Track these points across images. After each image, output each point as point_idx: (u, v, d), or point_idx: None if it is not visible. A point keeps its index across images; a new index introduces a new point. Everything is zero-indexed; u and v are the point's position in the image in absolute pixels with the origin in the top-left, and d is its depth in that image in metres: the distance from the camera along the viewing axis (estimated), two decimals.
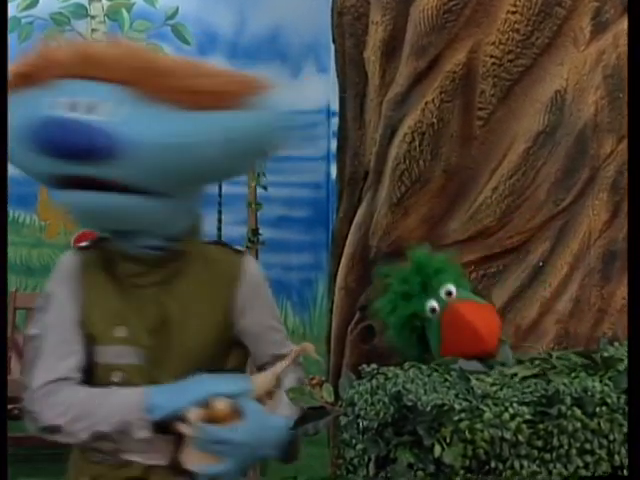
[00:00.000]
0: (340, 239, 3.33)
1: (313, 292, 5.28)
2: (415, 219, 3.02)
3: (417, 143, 2.97)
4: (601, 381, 2.22)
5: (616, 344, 2.70)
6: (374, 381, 2.33)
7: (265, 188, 4.32)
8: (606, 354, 2.41)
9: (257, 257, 4.32)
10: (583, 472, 2.09)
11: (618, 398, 2.14)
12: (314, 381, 4.26)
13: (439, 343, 2.51)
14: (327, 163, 5.09)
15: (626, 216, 2.98)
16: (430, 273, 2.56)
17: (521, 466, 2.05)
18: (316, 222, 5.20)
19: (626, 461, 2.10)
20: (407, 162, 2.99)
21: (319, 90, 5.13)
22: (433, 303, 2.52)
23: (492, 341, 2.40)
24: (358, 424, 2.18)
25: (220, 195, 4.35)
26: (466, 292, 2.61)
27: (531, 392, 2.16)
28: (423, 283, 2.54)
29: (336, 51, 3.45)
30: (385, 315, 2.63)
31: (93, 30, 5.26)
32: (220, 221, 4.39)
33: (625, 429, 2.11)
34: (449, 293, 2.54)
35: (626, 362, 2.38)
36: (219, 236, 4.43)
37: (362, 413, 2.18)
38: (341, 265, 3.21)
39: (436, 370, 2.37)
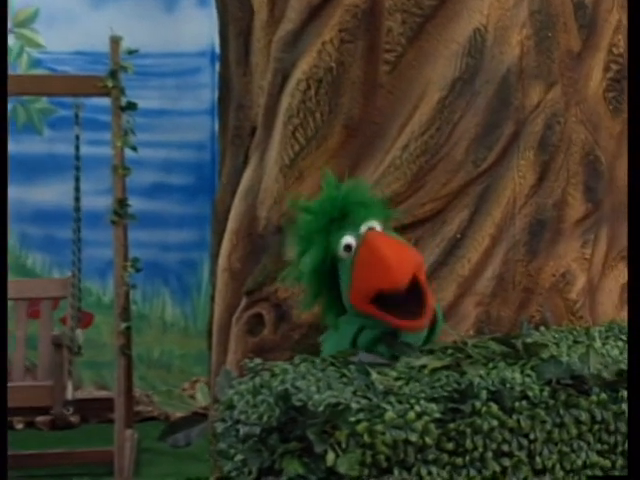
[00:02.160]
0: (222, 211, 3.32)
1: (197, 277, 5.22)
2: (311, 184, 3.04)
3: (313, 92, 2.99)
4: (522, 371, 2.32)
5: (542, 329, 2.82)
6: (257, 379, 2.36)
7: (135, 149, 4.23)
8: (529, 340, 2.51)
9: (126, 234, 4.25)
10: (500, 478, 2.17)
11: (541, 391, 2.23)
12: (199, 384, 4.26)
13: (349, 282, 2.56)
14: (212, 118, 5.04)
15: (556, 178, 3.09)
16: (352, 205, 2.62)
17: (429, 473, 2.12)
18: (199, 191, 5.12)
19: (549, 463, 2.20)
20: (301, 115, 3.00)
21: (201, 28, 5.08)
22: (349, 239, 2.59)
23: (401, 275, 2.46)
24: (237, 431, 2.21)
25: (77, 157, 4.24)
26: (391, 233, 2.68)
27: (441, 386, 2.23)
28: (341, 216, 2.61)
29: None
30: (298, 255, 2.67)
31: None
32: (78, 190, 4.29)
33: (548, 426, 2.21)
34: (371, 229, 2.59)
35: (552, 349, 2.49)
36: (77, 208, 4.35)
37: (242, 417, 2.20)
38: (224, 242, 3.21)
39: (332, 364, 2.42)
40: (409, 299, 2.47)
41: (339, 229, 2.61)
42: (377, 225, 2.63)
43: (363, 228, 2.61)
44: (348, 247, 2.59)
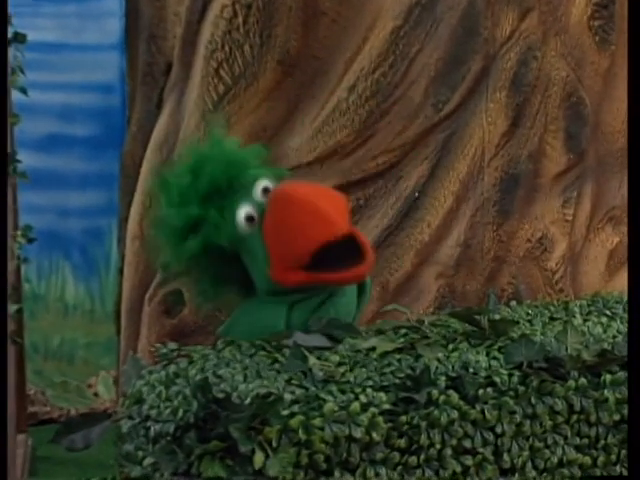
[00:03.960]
0: (132, 165, 3.33)
1: (104, 248, 5.17)
2: (240, 132, 3.05)
3: (240, 20, 3.00)
4: (488, 354, 2.35)
5: (513, 304, 2.86)
6: (172, 367, 2.38)
7: (25, 92, 4.19)
8: (496, 316, 2.55)
9: (15, 196, 4.22)
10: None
11: (509, 376, 2.27)
12: (101, 375, 4.29)
13: (265, 258, 2.50)
14: (122, 54, 5.00)
15: (532, 124, 3.14)
16: (235, 167, 2.54)
17: (376, 475, 2.15)
18: (106, 143, 5.06)
19: (519, 461, 2.25)
20: (227, 48, 3.01)
21: None
22: (247, 209, 2.51)
23: (340, 221, 2.44)
24: (147, 429, 2.23)
25: None
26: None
27: (392, 372, 2.26)
28: (226, 181, 2.54)
29: None
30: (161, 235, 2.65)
31: None
32: None
33: (518, 418, 2.25)
34: (266, 190, 2.55)
35: (523, 326, 2.53)
36: None
37: (153, 413, 2.22)
38: (134, 203, 3.22)
39: (263, 348, 2.44)
40: (342, 248, 2.43)
41: (221, 200, 2.54)
42: (270, 184, 2.56)
43: (257, 191, 2.54)
44: (250, 218, 2.52)
